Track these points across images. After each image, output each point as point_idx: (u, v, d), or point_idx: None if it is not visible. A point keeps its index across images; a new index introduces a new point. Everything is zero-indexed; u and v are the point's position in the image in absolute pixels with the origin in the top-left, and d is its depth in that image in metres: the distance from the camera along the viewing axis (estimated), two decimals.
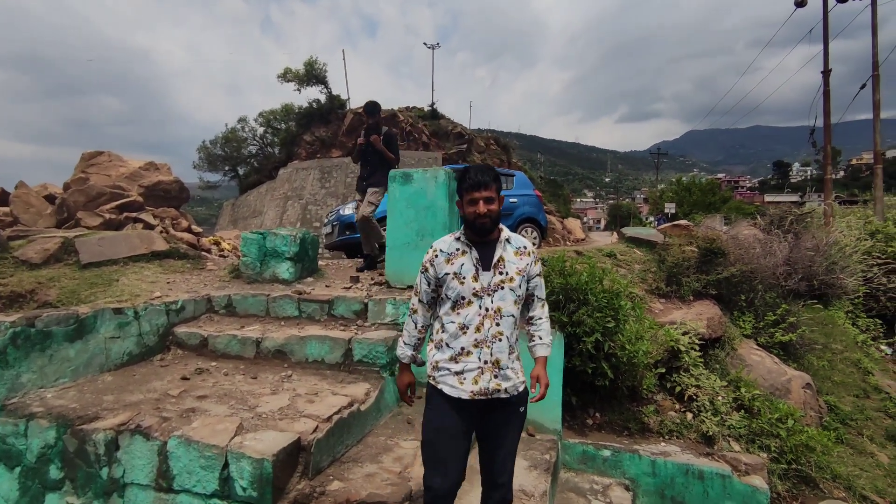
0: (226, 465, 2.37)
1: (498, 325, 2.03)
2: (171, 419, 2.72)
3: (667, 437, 4.44)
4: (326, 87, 24.74)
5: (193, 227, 7.80)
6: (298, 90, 24.67)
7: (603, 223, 74.01)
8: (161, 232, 6.63)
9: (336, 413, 2.97)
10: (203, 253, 6.15)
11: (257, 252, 5.05)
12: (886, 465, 4.90)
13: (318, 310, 4.37)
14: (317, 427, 2.75)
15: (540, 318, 2.24)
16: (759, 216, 8.93)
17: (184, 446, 2.44)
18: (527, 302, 2.21)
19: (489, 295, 2.03)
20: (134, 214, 6.95)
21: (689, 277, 6.03)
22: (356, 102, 25.07)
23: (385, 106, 25.20)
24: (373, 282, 5.00)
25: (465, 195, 2.06)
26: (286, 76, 24.46)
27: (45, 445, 2.67)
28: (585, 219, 70.32)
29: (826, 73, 11.53)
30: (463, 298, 2.04)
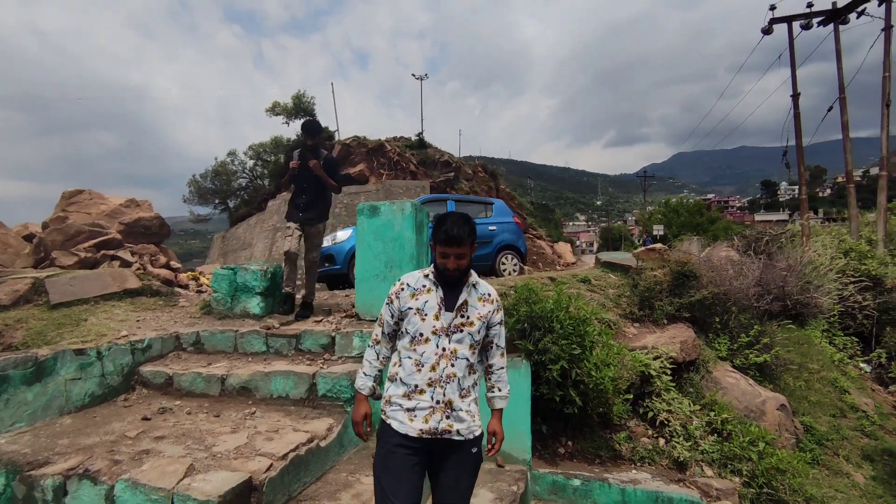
0: None
1: (453, 366, 2.04)
2: (122, 462, 2.71)
3: (639, 463, 4.42)
4: (315, 119, 25.10)
5: (173, 262, 7.81)
6: (287, 123, 25.02)
7: (595, 246, 74.40)
8: (138, 269, 6.65)
9: (293, 450, 2.96)
10: (177, 289, 6.16)
11: (228, 287, 5.08)
12: (862, 485, 4.88)
13: (286, 344, 4.38)
14: (271, 465, 2.74)
15: (500, 368, 2.25)
16: (735, 238, 9.05)
17: (130, 490, 2.43)
18: (486, 349, 2.22)
19: (448, 335, 2.05)
20: (112, 252, 6.97)
21: (662, 301, 6.08)
22: (346, 133, 25.42)
23: (374, 136, 25.54)
24: (343, 314, 5.02)
25: (438, 247, 2.06)
26: (274, 110, 24.83)
27: None
28: (578, 242, 70.71)
29: (795, 96, 11.88)
30: (421, 335, 2.05)
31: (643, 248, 7.59)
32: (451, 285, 2.12)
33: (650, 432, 4.75)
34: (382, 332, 2.20)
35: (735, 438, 4.58)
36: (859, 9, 11.42)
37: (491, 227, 8.80)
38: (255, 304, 5.01)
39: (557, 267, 21.96)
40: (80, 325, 4.48)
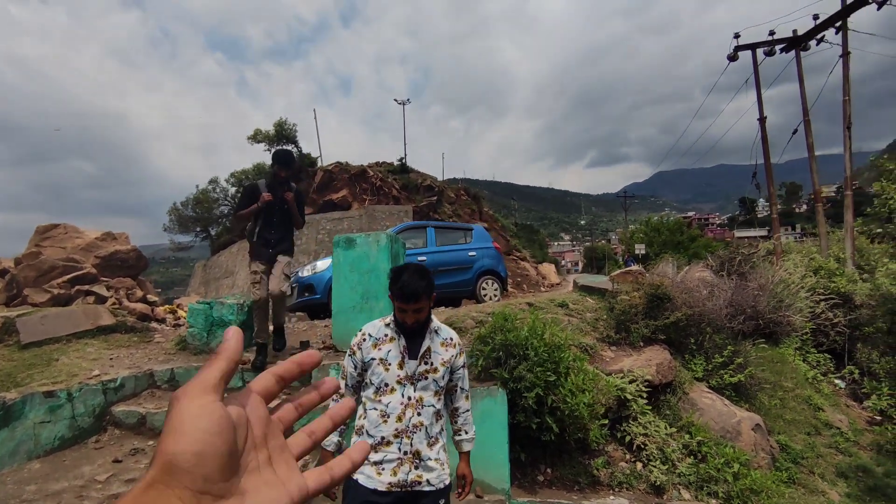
0: None
1: (419, 414, 2.02)
2: None
3: (617, 488, 4.44)
4: (297, 146, 25.24)
5: (150, 295, 7.75)
6: (269, 150, 25.08)
7: (581, 265, 74.98)
8: (113, 304, 6.58)
9: None
10: (153, 324, 6.11)
11: (204, 322, 5.06)
12: (837, 502, 4.95)
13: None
14: None
15: (466, 411, 2.25)
16: (709, 257, 9.24)
17: None
18: (450, 393, 2.21)
19: (412, 384, 2.04)
20: (87, 287, 6.90)
21: (638, 324, 6.18)
22: (329, 159, 25.57)
23: (357, 161, 25.74)
24: (322, 346, 5.03)
25: (396, 302, 2.06)
26: (256, 137, 24.93)
27: None
28: (563, 262, 71.24)
29: (762, 120, 12.31)
30: (386, 385, 2.03)
31: (619, 272, 7.72)
32: (413, 333, 2.12)
33: (628, 456, 4.79)
34: (346, 385, 2.15)
35: (710, 460, 4.64)
36: (818, 36, 11.95)
37: (471, 253, 8.88)
38: None
39: (542, 288, 22.09)
40: (51, 365, 4.42)
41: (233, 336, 0.41)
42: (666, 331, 6.23)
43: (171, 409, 0.35)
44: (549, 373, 4.23)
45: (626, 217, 58.97)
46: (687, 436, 4.85)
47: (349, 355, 2.15)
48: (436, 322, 2.20)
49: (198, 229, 28.61)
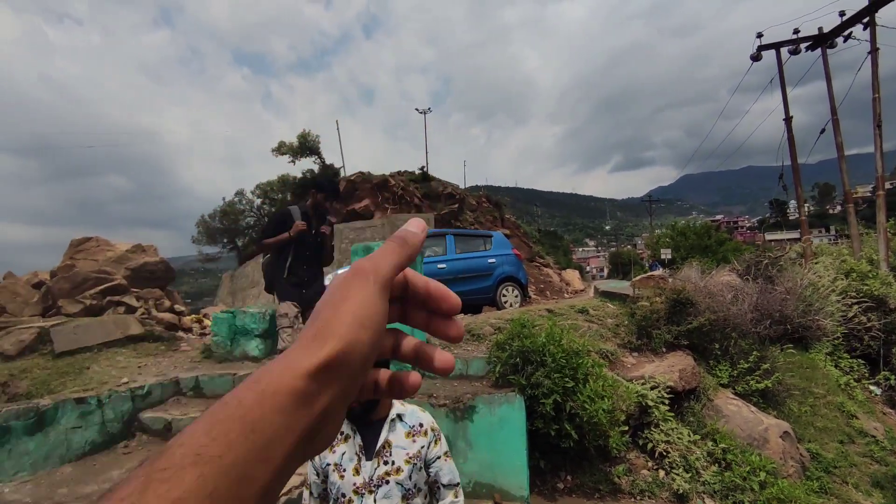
0: None
1: None
2: None
3: (638, 496, 4.37)
4: (320, 157, 25.67)
5: (177, 305, 7.97)
6: (293, 161, 25.58)
7: (606, 271, 74.01)
8: (143, 314, 6.80)
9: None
10: (180, 333, 6.29)
11: (227, 331, 5.19)
12: None
13: None
14: None
15: None
16: (735, 261, 9.05)
17: None
18: (433, 491, 1.80)
19: (371, 492, 1.66)
20: (117, 298, 7.14)
21: (660, 329, 6.09)
22: (351, 169, 25.92)
23: (379, 170, 26.03)
24: None
25: None
26: (280, 149, 25.44)
27: None
28: (588, 268, 70.39)
29: (787, 120, 12.04)
30: (343, 496, 1.67)
31: (640, 277, 7.62)
32: (370, 426, 1.75)
33: (650, 464, 4.72)
34: (311, 495, 1.77)
35: (736, 468, 4.53)
36: (845, 33, 11.66)
37: (490, 260, 8.90)
38: (254, 347, 5.11)
39: (565, 294, 21.88)
40: (83, 373, 4.59)
41: (418, 226, 0.39)
42: (689, 336, 6.12)
43: (345, 286, 0.34)
44: (566, 379, 4.21)
45: (651, 221, 58.06)
46: (711, 443, 4.75)
47: (310, 461, 1.75)
48: (399, 406, 1.81)
49: (225, 240, 29.28)
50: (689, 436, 4.85)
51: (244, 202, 28.77)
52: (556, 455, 4.43)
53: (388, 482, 1.67)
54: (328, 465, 1.73)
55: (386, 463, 1.69)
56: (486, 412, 4.07)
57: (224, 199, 28.85)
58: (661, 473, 4.59)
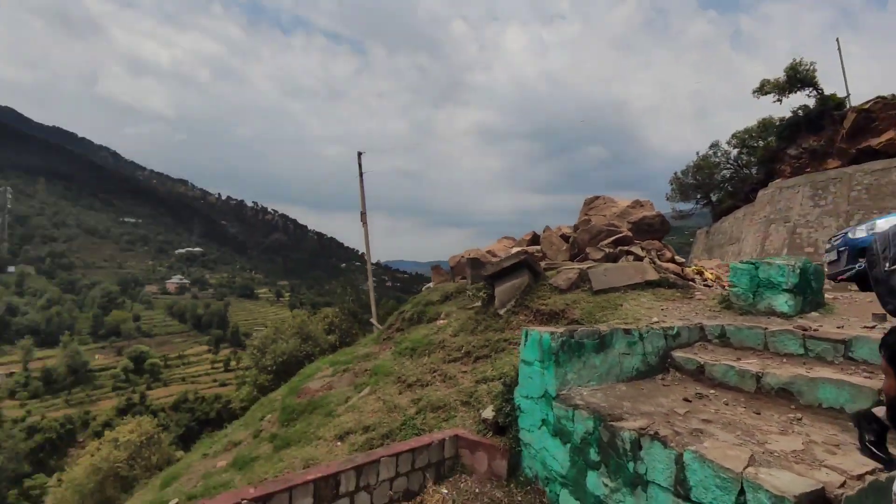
0: (741, 492, 2.44)
1: None
2: (681, 434, 3.01)
3: None
4: (816, 88, 21.17)
5: (676, 257, 8.20)
6: (779, 101, 22.10)
7: None
8: (649, 263, 7.30)
9: (869, 472, 2.55)
10: (689, 282, 6.40)
11: (749, 283, 4.89)
12: None
13: (830, 350, 3.83)
14: (844, 482, 2.46)
15: None
16: None
17: (698, 462, 2.66)
18: None
19: None
20: (625, 248, 7.93)
21: None
22: (859, 98, 20.26)
23: None
24: None
25: None
26: (763, 89, 22.40)
27: (586, 432, 3.45)
28: None
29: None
30: None
31: None
32: None
33: None
34: None
35: None
36: None
37: None
38: (782, 302, 4.63)
39: None
40: (618, 309, 5.29)
41: None
42: None
43: None
44: None
45: None
46: None
47: None
48: None
49: (698, 196, 28.54)
50: None
51: (719, 154, 27.11)
52: None
53: None
54: None
55: None
56: None
57: (697, 153, 27.99)
58: None
